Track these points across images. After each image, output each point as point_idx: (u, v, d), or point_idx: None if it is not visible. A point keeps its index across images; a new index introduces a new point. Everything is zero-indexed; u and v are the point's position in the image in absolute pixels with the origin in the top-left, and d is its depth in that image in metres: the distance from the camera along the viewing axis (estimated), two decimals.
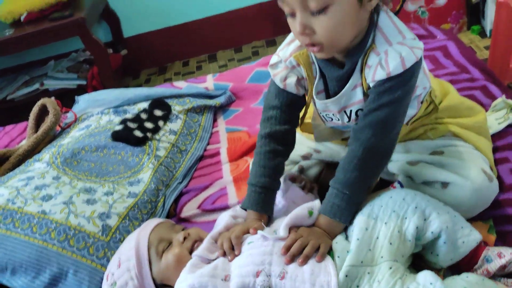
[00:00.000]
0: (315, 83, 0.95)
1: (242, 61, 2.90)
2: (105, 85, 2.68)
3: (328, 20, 0.79)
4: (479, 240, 0.87)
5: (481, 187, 0.93)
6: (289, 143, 1.02)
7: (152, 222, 1.03)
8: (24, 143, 1.46)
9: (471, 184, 0.93)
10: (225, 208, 1.21)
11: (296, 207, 1.06)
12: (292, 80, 0.96)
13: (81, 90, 2.72)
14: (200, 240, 0.96)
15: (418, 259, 0.92)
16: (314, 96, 0.96)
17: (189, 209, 1.26)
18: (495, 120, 1.18)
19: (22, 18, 2.57)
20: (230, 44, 3.08)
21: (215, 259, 0.89)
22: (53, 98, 1.54)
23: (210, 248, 0.92)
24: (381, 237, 0.85)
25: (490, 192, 0.96)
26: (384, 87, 0.85)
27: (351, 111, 0.95)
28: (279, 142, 0.99)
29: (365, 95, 0.90)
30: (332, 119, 1.00)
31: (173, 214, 1.26)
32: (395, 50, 0.84)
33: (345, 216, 0.89)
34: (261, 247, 0.87)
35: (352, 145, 0.90)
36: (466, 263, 0.88)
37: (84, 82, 2.71)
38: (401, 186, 1.00)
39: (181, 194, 1.32)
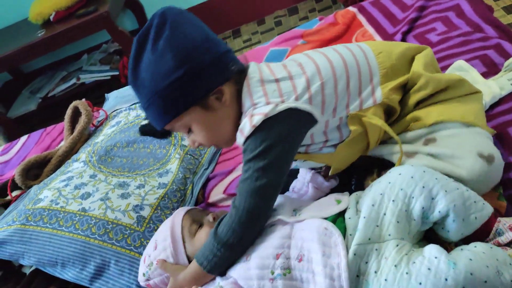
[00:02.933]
0: None
1: (266, 33, 2.92)
2: None
3: (198, 135, 0.95)
4: (490, 213, 0.87)
5: (480, 175, 0.91)
6: None
7: (184, 209, 1.12)
8: (63, 145, 1.58)
9: (467, 174, 0.91)
10: None
11: (318, 193, 1.11)
12: None
13: (115, 80, 2.84)
14: None
15: (431, 233, 0.92)
16: None
17: (216, 194, 1.34)
18: (507, 81, 1.17)
19: (51, 18, 2.68)
20: (253, 17, 3.09)
21: None
22: (83, 99, 1.64)
23: None
24: (388, 214, 0.86)
25: (492, 174, 0.94)
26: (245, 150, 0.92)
27: None
28: None
29: None
30: None
31: (201, 200, 1.35)
32: (244, 120, 0.91)
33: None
34: (281, 230, 0.93)
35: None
36: (478, 236, 0.88)
37: (116, 73, 2.81)
38: None
39: (208, 180, 1.41)
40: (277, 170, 0.90)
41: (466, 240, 0.88)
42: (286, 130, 0.89)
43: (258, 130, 0.88)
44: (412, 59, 1.04)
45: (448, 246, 0.91)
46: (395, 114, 1.01)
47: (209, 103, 0.91)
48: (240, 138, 0.92)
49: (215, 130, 0.95)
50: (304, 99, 0.90)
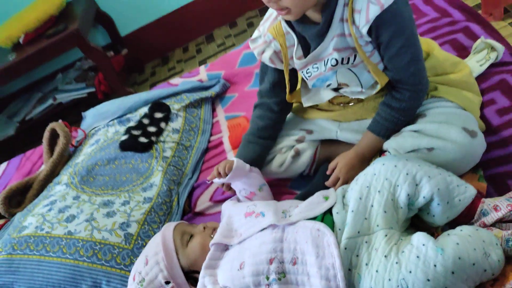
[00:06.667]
0: (295, 49, 1.03)
1: (239, 35, 2.92)
2: (113, 88, 2.75)
3: None
4: (474, 195, 0.89)
5: (463, 145, 0.95)
6: (280, 110, 1.20)
7: (172, 224, 1.11)
8: (43, 169, 1.56)
9: (451, 145, 0.95)
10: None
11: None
12: (267, 54, 1.08)
13: (92, 97, 2.80)
14: (217, 228, 1.05)
15: (417, 219, 0.95)
16: (295, 60, 1.06)
17: (202, 202, 1.33)
18: (476, 63, 1.18)
19: (21, 41, 2.65)
20: (225, 20, 3.08)
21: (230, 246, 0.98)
22: (60, 120, 1.62)
23: (224, 233, 1.00)
24: (375, 205, 0.88)
25: (474, 147, 0.97)
26: (383, 21, 0.91)
27: (328, 60, 1.01)
28: (268, 109, 1.19)
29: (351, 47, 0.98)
30: (311, 74, 1.07)
31: (188, 210, 1.34)
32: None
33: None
34: (272, 234, 0.93)
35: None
36: (463, 218, 0.90)
37: (93, 89, 2.78)
38: None
39: (193, 189, 1.40)
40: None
41: (451, 225, 0.90)
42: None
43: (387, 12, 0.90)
44: None
45: (435, 232, 0.92)
46: None
47: None
48: (361, 19, 0.92)
49: None
50: None
